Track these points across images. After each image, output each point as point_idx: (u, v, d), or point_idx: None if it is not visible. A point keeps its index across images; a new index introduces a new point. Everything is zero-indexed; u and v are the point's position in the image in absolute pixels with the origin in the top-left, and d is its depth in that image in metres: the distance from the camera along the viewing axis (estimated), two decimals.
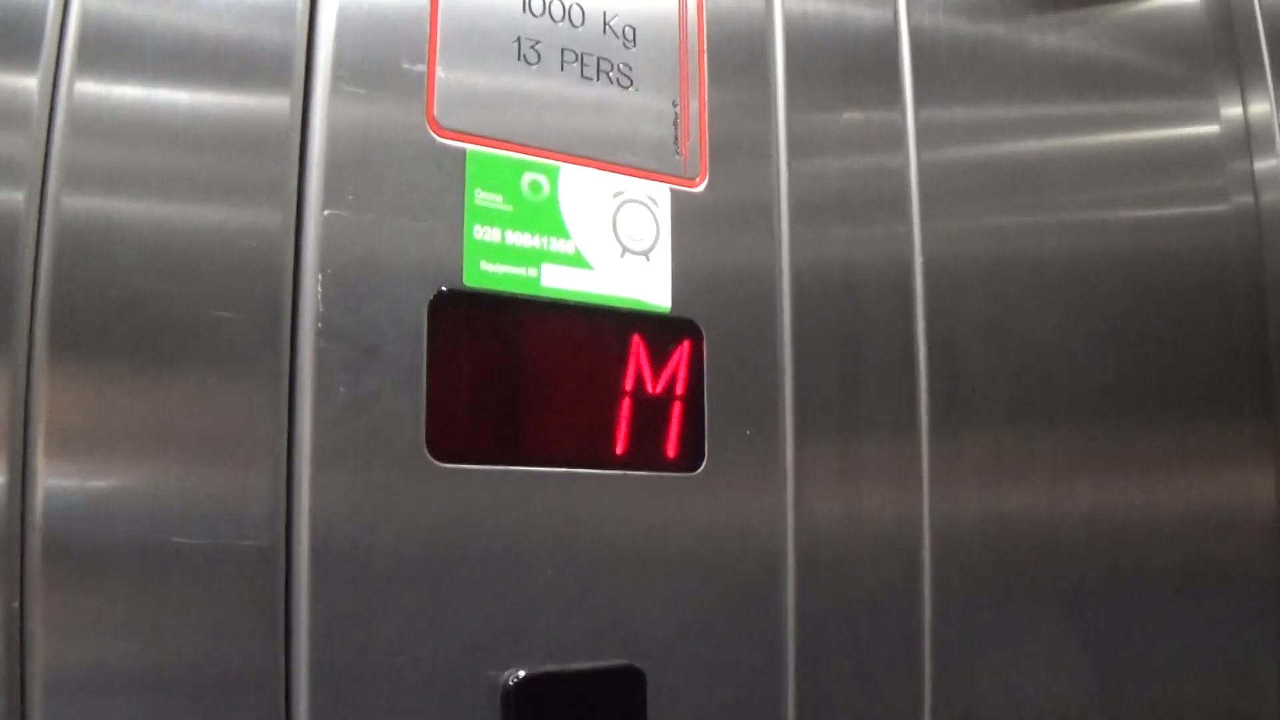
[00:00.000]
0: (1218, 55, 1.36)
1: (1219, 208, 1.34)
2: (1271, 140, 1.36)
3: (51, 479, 0.71)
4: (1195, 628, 1.23)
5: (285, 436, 0.79)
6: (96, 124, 0.75)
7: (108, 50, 0.76)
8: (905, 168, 1.11)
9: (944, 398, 1.08)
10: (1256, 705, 1.26)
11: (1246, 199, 1.35)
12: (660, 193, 0.95)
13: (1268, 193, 1.35)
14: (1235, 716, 1.25)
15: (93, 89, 0.75)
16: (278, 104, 0.81)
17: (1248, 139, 1.36)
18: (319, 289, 0.80)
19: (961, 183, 1.15)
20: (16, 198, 0.72)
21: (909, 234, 1.10)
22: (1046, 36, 1.24)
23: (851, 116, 1.09)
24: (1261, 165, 1.36)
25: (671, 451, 0.92)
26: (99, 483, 0.72)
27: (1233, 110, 1.36)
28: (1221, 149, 1.35)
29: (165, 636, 0.73)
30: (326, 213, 0.81)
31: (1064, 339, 1.19)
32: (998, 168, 1.19)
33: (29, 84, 0.74)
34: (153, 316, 0.75)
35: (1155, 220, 1.31)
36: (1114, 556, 1.18)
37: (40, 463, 0.71)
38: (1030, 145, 1.22)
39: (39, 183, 0.73)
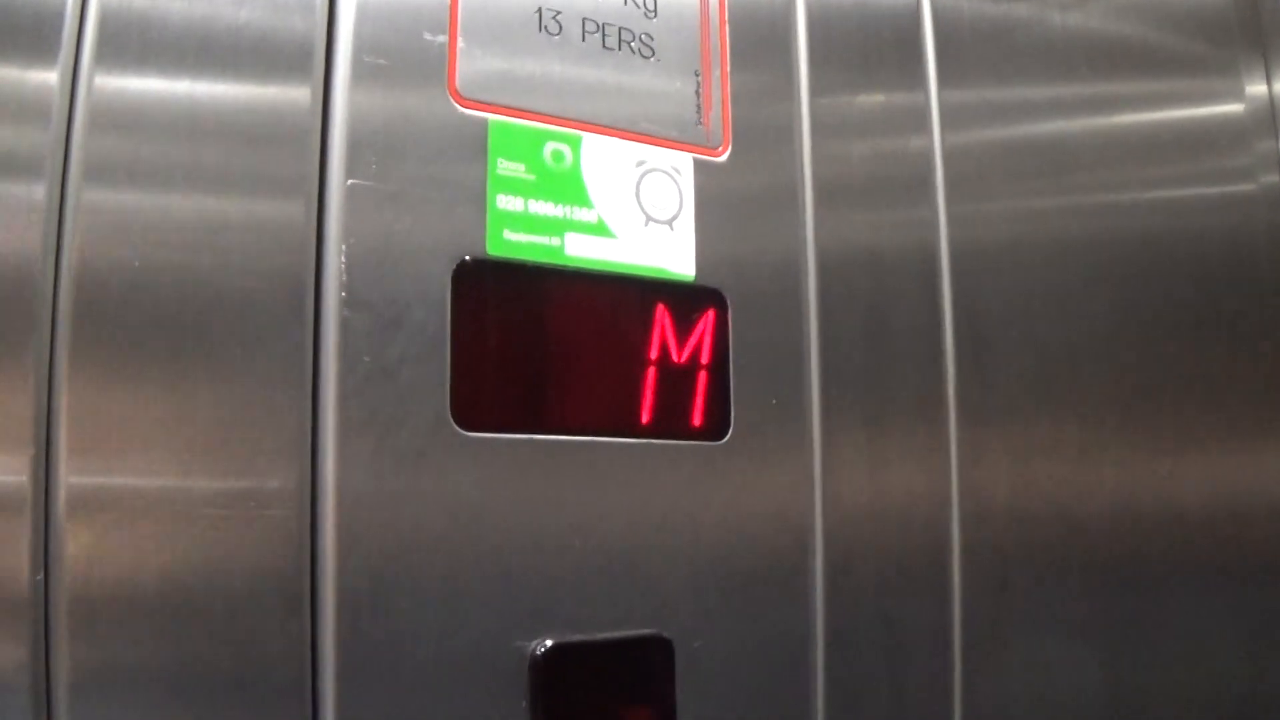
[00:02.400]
0: (1242, 33, 1.35)
1: (1245, 187, 1.33)
2: None
3: (75, 455, 0.71)
4: (1225, 610, 1.22)
5: (310, 407, 0.78)
6: (116, 117, 0.75)
7: (127, 43, 0.76)
8: (930, 148, 1.10)
9: (971, 376, 1.08)
10: None
11: (1273, 178, 1.34)
12: (683, 162, 0.94)
13: None
14: (1266, 700, 1.23)
15: (112, 82, 0.75)
16: (300, 80, 0.81)
17: (1273, 117, 1.35)
18: (342, 259, 0.80)
19: (986, 163, 1.15)
20: (37, 191, 0.72)
21: (934, 214, 1.09)
22: (1069, 15, 1.23)
23: (874, 96, 1.08)
24: None
25: (697, 420, 0.92)
26: (123, 458, 0.72)
27: (1258, 89, 1.35)
28: (1247, 128, 1.34)
29: (188, 611, 0.73)
30: (350, 183, 0.81)
31: (1091, 318, 1.18)
32: (1022, 148, 1.18)
33: (49, 78, 0.74)
34: (175, 291, 0.75)
35: (1180, 200, 1.30)
36: (1143, 537, 1.17)
37: (64, 440, 0.71)
38: (1054, 126, 1.21)
39: (60, 176, 0.73)
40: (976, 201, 1.12)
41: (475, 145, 0.86)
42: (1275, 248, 1.32)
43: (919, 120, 1.11)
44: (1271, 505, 1.26)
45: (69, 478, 0.71)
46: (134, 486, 0.72)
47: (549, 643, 0.83)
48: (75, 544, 0.70)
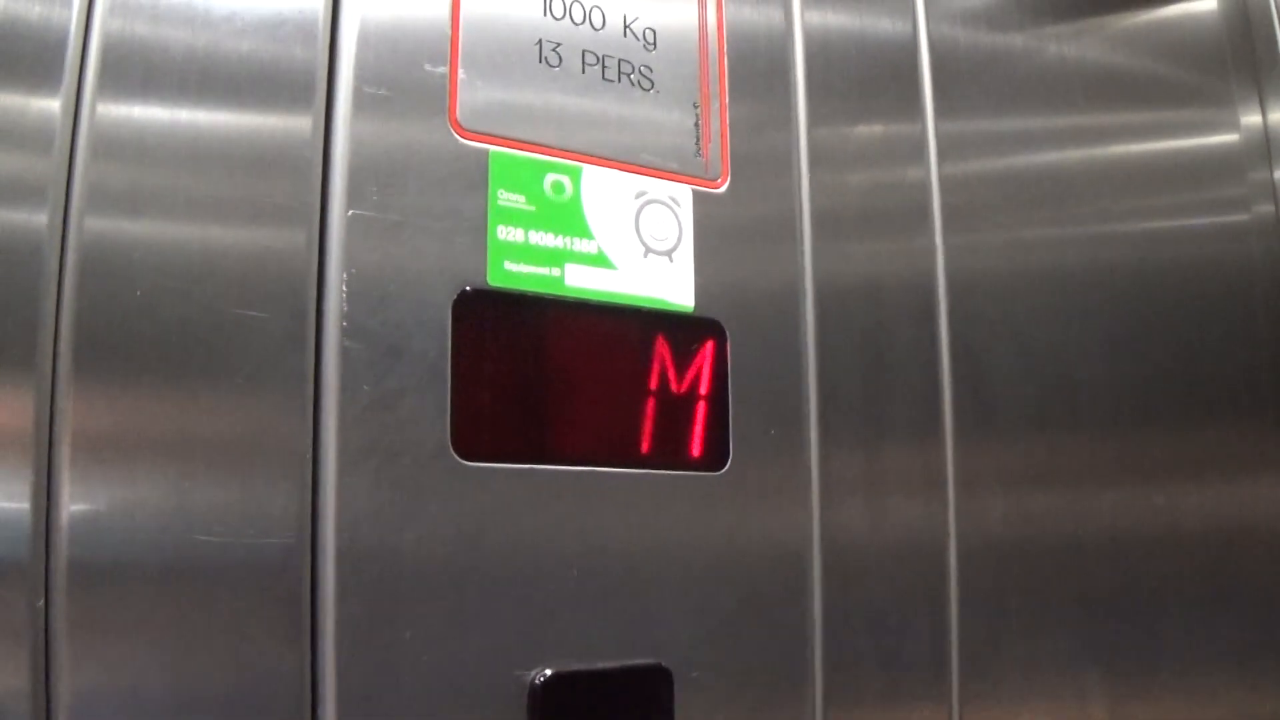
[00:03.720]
0: (1236, 63, 1.36)
1: (1240, 217, 1.34)
2: None
3: (77, 484, 0.71)
4: (1221, 635, 1.21)
5: (310, 436, 0.78)
6: (118, 145, 0.75)
7: (129, 71, 0.76)
8: (927, 179, 1.11)
9: (968, 405, 1.08)
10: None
11: (1268, 208, 1.34)
12: (682, 193, 0.95)
13: None
14: None
15: (115, 111, 0.76)
16: (301, 110, 0.81)
17: (1268, 147, 1.36)
18: (343, 289, 0.80)
19: (983, 194, 1.15)
20: (40, 219, 0.72)
21: (931, 245, 1.09)
22: (1064, 46, 1.24)
23: (872, 127, 1.09)
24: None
25: (696, 450, 0.92)
26: (124, 485, 0.72)
27: (1252, 119, 1.36)
28: (1242, 158, 1.35)
29: (189, 637, 0.73)
30: (351, 213, 0.81)
31: (1087, 349, 1.18)
32: (1018, 179, 1.19)
33: (52, 106, 0.74)
34: (177, 320, 0.75)
35: (1176, 230, 1.30)
36: (1140, 563, 1.17)
37: (66, 467, 0.71)
38: (1051, 156, 1.22)
39: (62, 204, 0.73)
40: (974, 232, 1.13)
41: (476, 176, 0.86)
42: (1270, 277, 1.33)
43: (916, 151, 1.11)
44: (1267, 531, 1.26)
45: (71, 505, 0.71)
46: (135, 513, 0.72)
47: (548, 671, 0.83)
48: (76, 570, 0.70)
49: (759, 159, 1.00)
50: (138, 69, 0.77)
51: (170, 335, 0.75)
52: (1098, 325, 1.19)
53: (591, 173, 0.91)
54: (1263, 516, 1.26)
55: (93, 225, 0.74)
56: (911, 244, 1.09)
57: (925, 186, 1.11)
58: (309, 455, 0.78)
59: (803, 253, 1.00)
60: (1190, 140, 1.33)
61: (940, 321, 1.08)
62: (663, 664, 0.88)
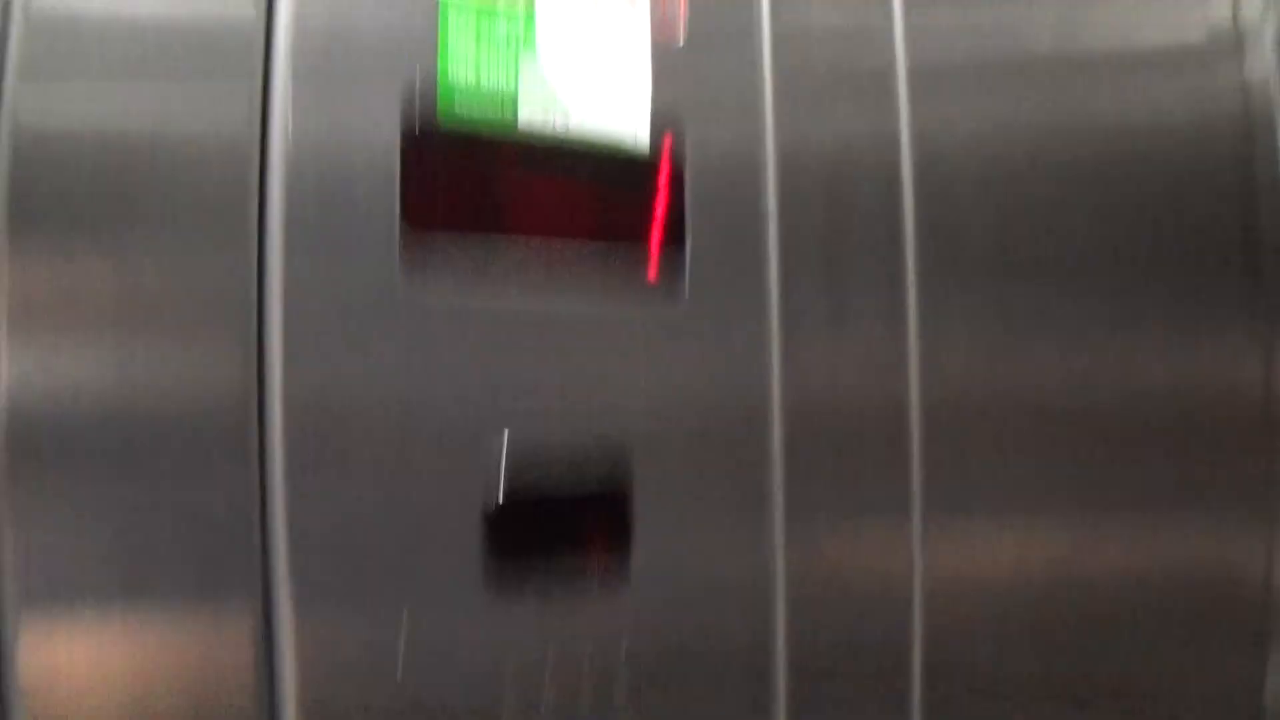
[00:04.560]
0: None
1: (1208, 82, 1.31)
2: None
3: (15, 353, 0.72)
4: (1182, 495, 1.21)
5: (255, 279, 0.78)
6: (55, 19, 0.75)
7: None
8: (889, 29, 1.09)
9: (932, 253, 1.06)
10: (1242, 570, 1.23)
11: (1234, 74, 1.32)
12: (639, 27, 0.93)
13: (1256, 70, 1.33)
14: (1220, 577, 1.23)
15: None
16: None
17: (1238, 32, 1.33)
18: (288, 135, 0.79)
19: (948, 47, 1.14)
20: None
21: (893, 93, 1.08)
22: None
23: None
24: (1251, 44, 1.33)
25: (654, 279, 0.92)
26: (65, 350, 0.73)
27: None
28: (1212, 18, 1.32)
29: (138, 496, 0.74)
30: (296, 63, 0.80)
31: (1055, 208, 1.16)
32: (984, 32, 1.17)
33: None
34: (117, 181, 0.75)
35: (1144, 95, 1.28)
36: (1101, 406, 1.16)
37: (3, 336, 0.71)
38: (1017, 11, 1.19)
39: None
40: (940, 90, 1.11)
41: (426, 17, 0.85)
42: (1235, 143, 1.30)
43: None
44: (1221, 384, 1.24)
45: (9, 374, 0.71)
46: (78, 377, 0.74)
47: (501, 499, 0.84)
48: (15, 440, 0.71)
49: None
50: None
51: (110, 196, 0.75)
52: (1065, 183, 1.17)
53: (546, 7, 0.89)
54: (1224, 384, 1.25)
55: (27, 94, 0.73)
56: (876, 94, 1.07)
57: (889, 36, 1.09)
58: (254, 296, 0.78)
59: (763, 88, 0.99)
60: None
61: (904, 170, 1.07)
62: (621, 491, 0.89)
